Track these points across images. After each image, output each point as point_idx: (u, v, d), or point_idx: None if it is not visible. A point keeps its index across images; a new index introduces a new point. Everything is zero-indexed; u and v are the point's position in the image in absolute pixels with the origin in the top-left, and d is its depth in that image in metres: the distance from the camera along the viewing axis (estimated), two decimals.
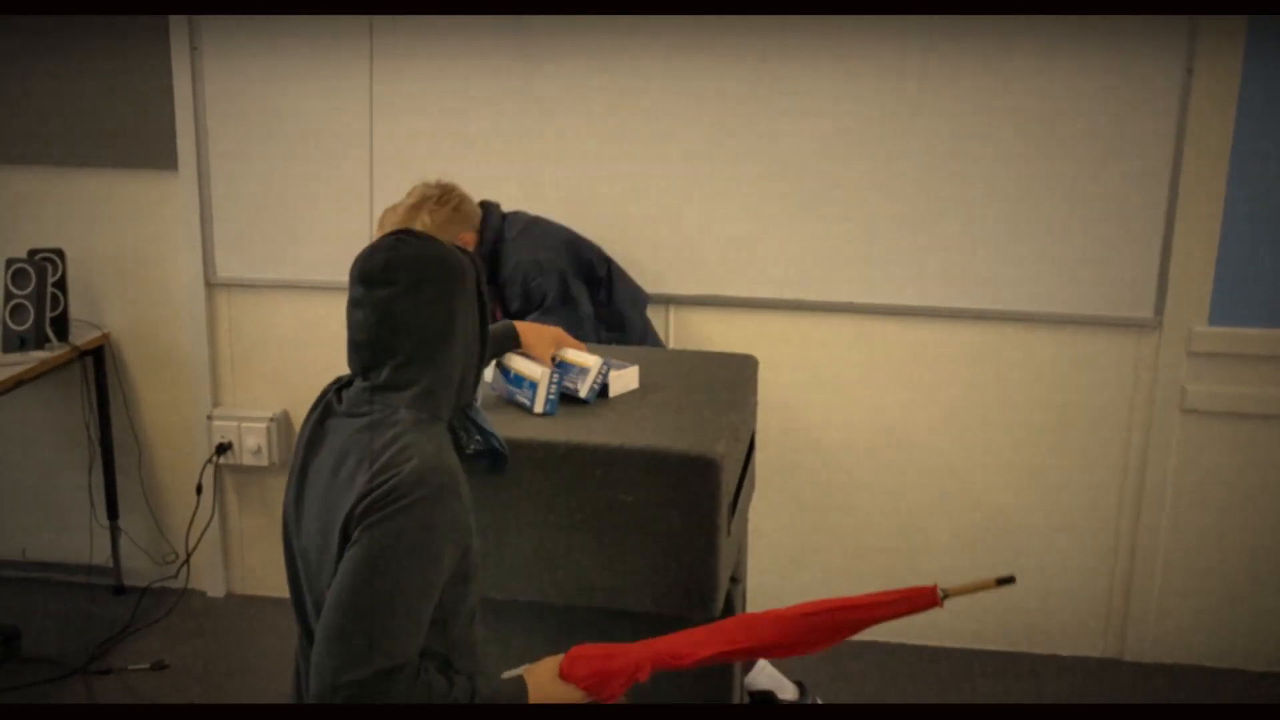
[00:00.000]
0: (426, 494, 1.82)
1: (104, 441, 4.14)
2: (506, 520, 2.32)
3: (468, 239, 3.28)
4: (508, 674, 2.01)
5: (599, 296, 3.38)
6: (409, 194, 3.28)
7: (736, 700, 2.53)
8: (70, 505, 4.26)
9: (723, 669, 2.43)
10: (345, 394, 2.02)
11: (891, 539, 3.88)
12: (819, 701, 3.37)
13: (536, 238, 3.33)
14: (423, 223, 3.19)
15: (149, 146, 3.91)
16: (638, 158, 3.68)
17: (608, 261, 3.47)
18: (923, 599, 2.07)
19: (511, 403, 2.50)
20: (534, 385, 2.44)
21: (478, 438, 2.09)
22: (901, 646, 3.93)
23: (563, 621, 2.43)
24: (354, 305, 1.96)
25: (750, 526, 3.75)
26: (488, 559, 2.30)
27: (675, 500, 2.25)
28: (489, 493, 2.29)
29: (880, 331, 3.73)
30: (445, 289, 1.94)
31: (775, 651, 2.11)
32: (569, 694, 2.00)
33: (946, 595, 2.06)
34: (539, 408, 2.44)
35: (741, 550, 2.70)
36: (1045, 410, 3.72)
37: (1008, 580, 2.07)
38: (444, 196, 3.25)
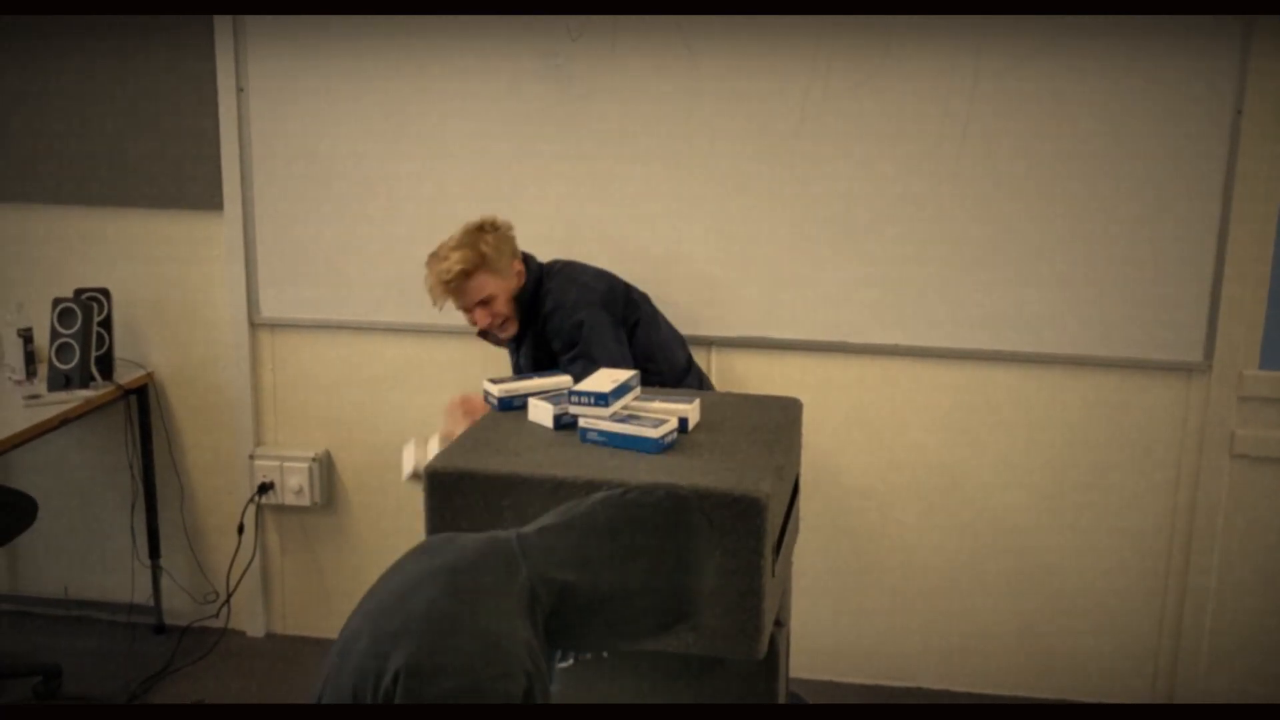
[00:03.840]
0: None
1: (146, 480, 4.15)
2: None
3: (519, 267, 3.31)
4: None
5: (637, 333, 3.36)
6: (455, 232, 3.32)
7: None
8: (112, 544, 4.27)
9: (768, 670, 2.40)
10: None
11: (936, 582, 3.83)
12: None
13: (573, 276, 3.35)
14: (485, 241, 3.23)
15: (195, 187, 3.94)
16: (679, 199, 3.68)
17: (640, 302, 3.43)
18: None
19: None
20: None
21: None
22: (945, 692, 3.87)
23: (606, 659, 2.41)
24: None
25: (794, 569, 3.73)
26: None
27: (720, 540, 2.22)
28: None
29: (926, 374, 3.70)
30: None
31: None
32: None
33: None
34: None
35: (786, 593, 2.67)
36: (1093, 454, 3.67)
37: None
38: (496, 222, 3.32)
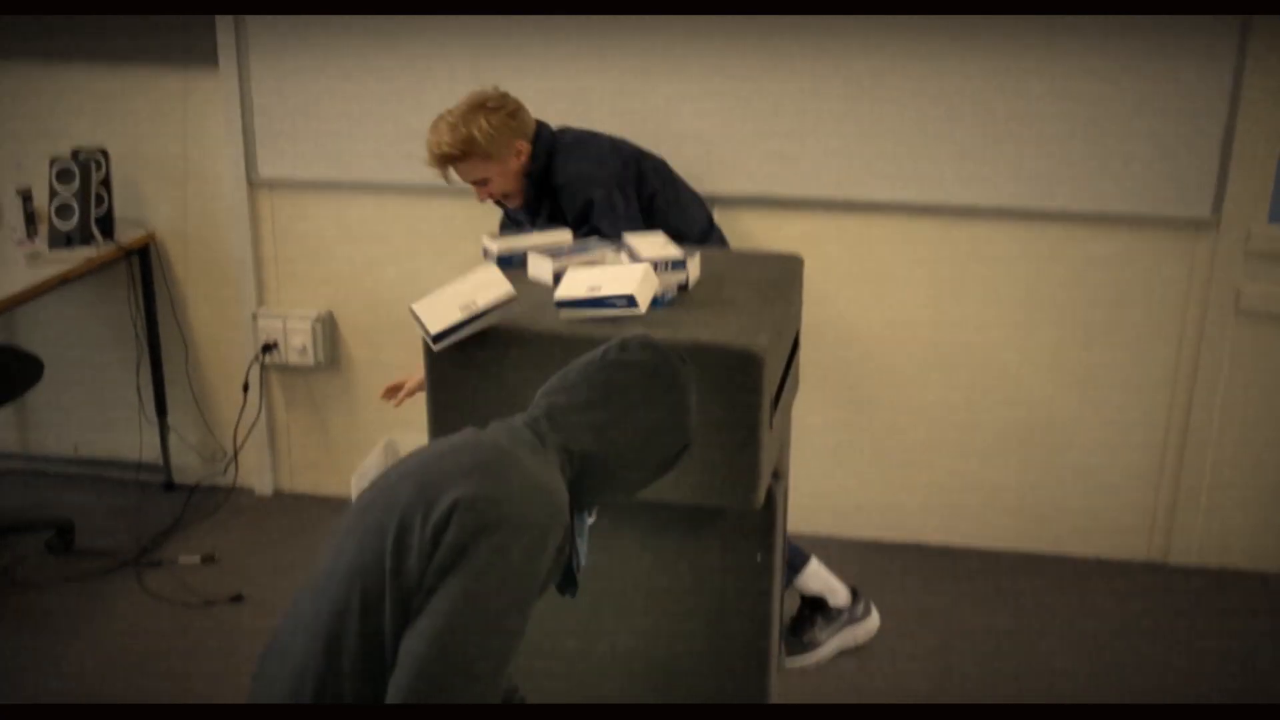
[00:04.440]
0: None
1: (151, 340, 4.17)
2: None
3: (522, 148, 3.22)
4: None
5: (656, 203, 3.31)
6: (462, 100, 3.22)
7: (776, 635, 2.53)
8: (119, 403, 4.31)
9: (766, 522, 2.43)
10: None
11: (936, 437, 3.86)
12: (873, 607, 3.37)
13: (586, 150, 3.28)
14: (479, 125, 3.14)
15: (189, 42, 3.87)
16: (683, 58, 3.61)
17: (653, 173, 3.36)
18: None
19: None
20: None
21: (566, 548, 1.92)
22: (945, 549, 3.92)
23: (603, 512, 2.43)
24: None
25: (794, 425, 3.74)
26: None
27: (717, 393, 2.23)
28: (531, 393, 2.28)
29: (929, 231, 3.68)
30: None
31: None
32: None
33: None
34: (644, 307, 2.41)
35: (784, 447, 2.68)
36: (1096, 310, 3.66)
37: None
38: (502, 101, 3.21)
